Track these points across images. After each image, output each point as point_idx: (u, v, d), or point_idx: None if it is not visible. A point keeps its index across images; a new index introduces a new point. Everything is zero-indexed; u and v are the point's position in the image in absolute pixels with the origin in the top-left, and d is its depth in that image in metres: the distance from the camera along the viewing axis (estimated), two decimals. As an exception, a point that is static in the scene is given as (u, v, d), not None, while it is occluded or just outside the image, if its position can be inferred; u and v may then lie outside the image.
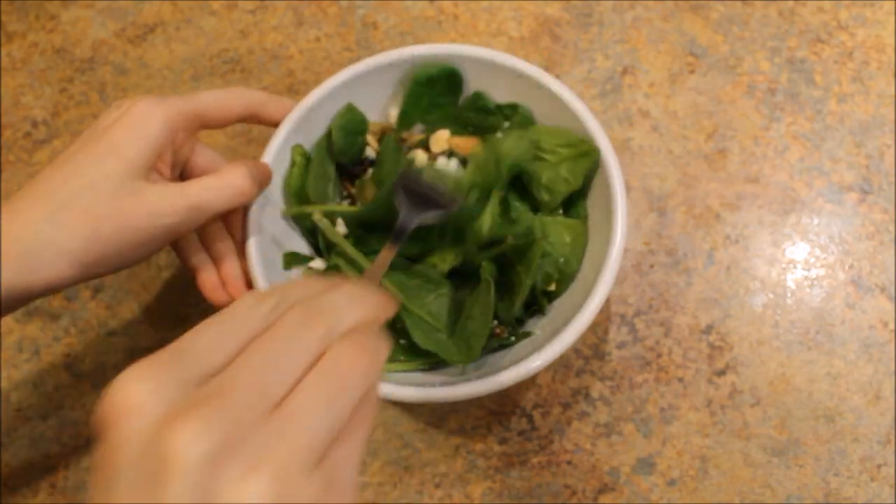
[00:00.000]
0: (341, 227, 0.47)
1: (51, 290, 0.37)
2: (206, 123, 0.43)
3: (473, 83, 0.49)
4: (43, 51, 0.60)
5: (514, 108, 0.48)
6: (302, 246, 0.48)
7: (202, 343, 0.24)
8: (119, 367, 0.51)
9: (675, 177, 0.53)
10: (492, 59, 0.47)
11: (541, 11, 0.58)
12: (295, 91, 0.57)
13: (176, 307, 0.53)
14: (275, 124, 0.46)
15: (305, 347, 0.24)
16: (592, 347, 0.50)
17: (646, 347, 0.50)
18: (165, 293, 0.53)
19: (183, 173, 0.45)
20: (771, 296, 0.50)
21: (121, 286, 0.53)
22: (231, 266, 0.44)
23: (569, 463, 0.47)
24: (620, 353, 0.50)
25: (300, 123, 0.47)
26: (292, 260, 0.46)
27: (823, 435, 0.47)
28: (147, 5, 0.61)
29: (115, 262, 0.38)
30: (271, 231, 0.46)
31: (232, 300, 0.43)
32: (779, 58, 0.56)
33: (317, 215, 0.46)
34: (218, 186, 0.40)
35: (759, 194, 0.53)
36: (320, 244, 0.48)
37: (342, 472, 0.23)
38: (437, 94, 0.49)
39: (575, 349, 0.50)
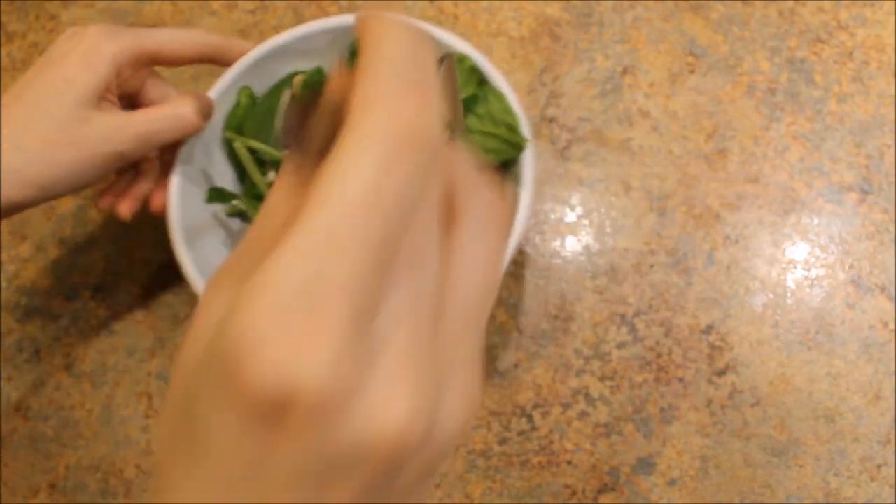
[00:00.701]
0: (272, 176, 0.47)
1: (14, 210, 0.41)
2: (158, 61, 0.45)
3: None
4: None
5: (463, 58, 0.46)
6: (233, 186, 0.49)
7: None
8: (119, 368, 0.51)
9: (675, 177, 0.53)
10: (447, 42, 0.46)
11: (541, 11, 0.58)
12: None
13: (176, 307, 0.53)
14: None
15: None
16: (592, 347, 0.50)
17: (646, 347, 0.50)
18: (165, 293, 0.53)
19: (134, 104, 0.47)
20: (771, 296, 0.50)
21: (121, 286, 0.53)
22: (141, 185, 0.47)
23: (569, 463, 0.47)
24: (620, 353, 0.50)
25: (252, 69, 0.47)
26: (216, 196, 0.47)
27: (823, 435, 0.47)
28: (147, 5, 0.61)
29: (69, 183, 0.41)
30: (204, 166, 0.47)
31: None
32: (779, 58, 0.56)
33: (237, 143, 0.46)
34: (164, 116, 0.43)
35: (759, 194, 0.53)
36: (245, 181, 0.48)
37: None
38: None
39: (575, 349, 0.50)
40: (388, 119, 0.17)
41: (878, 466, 0.47)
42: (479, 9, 0.59)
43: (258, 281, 0.16)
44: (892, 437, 0.47)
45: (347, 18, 0.47)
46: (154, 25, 0.60)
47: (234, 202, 0.48)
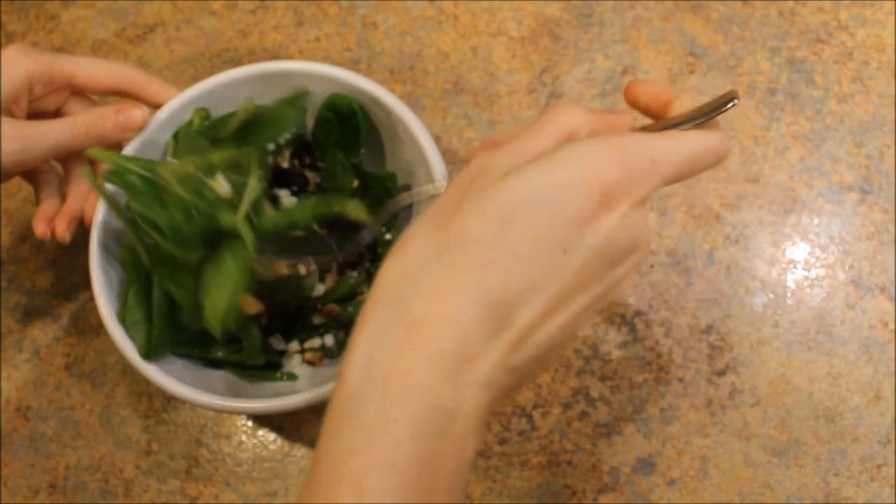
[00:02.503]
0: (223, 185, 0.43)
1: None
2: (73, 87, 0.46)
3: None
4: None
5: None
6: None
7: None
8: (119, 368, 0.51)
9: (675, 177, 0.53)
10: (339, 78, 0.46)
11: (541, 11, 0.58)
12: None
13: (176, 307, 0.53)
14: (155, 106, 0.47)
15: None
16: (592, 347, 0.50)
17: (646, 347, 0.50)
18: (165, 293, 0.53)
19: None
20: (771, 296, 0.50)
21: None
22: (70, 203, 0.47)
23: (569, 463, 0.47)
24: (620, 353, 0.50)
25: (212, 92, 0.46)
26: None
27: (823, 435, 0.47)
28: (147, 5, 0.61)
29: None
30: None
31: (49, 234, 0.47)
32: (779, 58, 0.56)
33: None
34: (59, 123, 0.44)
35: (759, 194, 0.53)
36: None
37: None
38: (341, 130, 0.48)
39: (575, 349, 0.50)
40: None
41: (878, 466, 0.47)
42: (479, 9, 0.59)
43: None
44: (892, 437, 0.47)
45: (304, 65, 0.47)
46: (154, 25, 0.60)
47: None
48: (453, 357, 0.26)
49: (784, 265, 0.51)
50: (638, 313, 0.50)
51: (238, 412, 0.41)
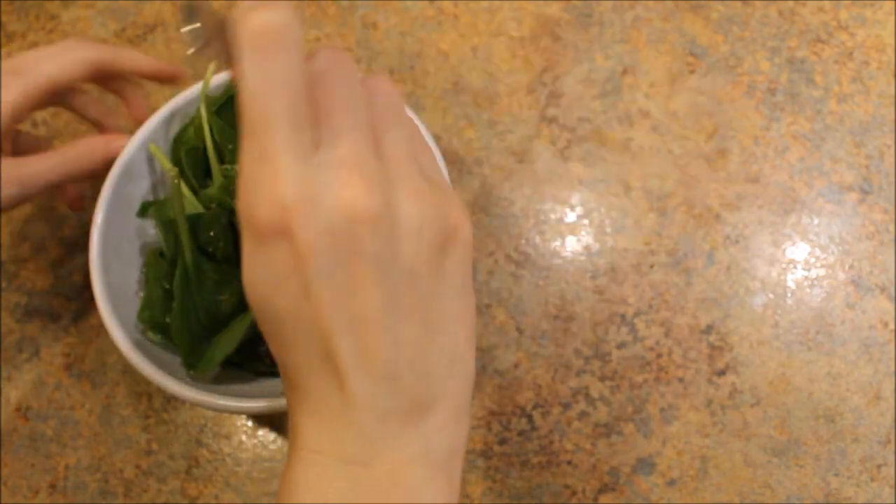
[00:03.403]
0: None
1: None
2: (57, 99, 0.45)
3: None
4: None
5: None
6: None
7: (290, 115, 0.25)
8: (119, 368, 0.51)
9: (675, 177, 0.53)
10: None
11: (541, 11, 0.58)
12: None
13: (176, 307, 0.53)
14: (141, 75, 0.46)
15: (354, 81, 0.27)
16: (592, 347, 0.50)
17: (646, 347, 0.50)
18: (165, 293, 0.53)
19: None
20: (771, 296, 0.50)
21: (121, 286, 0.53)
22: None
23: (569, 463, 0.47)
24: (620, 353, 0.50)
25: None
26: (147, 208, 0.46)
27: (823, 435, 0.47)
28: (147, 5, 0.61)
29: None
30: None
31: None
32: (779, 58, 0.56)
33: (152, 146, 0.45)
34: (52, 158, 0.43)
35: (759, 194, 0.53)
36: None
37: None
38: None
39: (575, 349, 0.50)
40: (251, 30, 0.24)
41: (878, 466, 0.47)
42: (479, 9, 0.59)
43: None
44: (892, 437, 0.47)
45: None
46: (154, 25, 0.60)
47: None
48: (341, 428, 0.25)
49: (784, 265, 0.51)
50: (638, 313, 0.50)
51: (239, 412, 0.41)
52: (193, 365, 0.42)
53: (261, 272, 0.25)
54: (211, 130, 0.45)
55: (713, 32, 0.57)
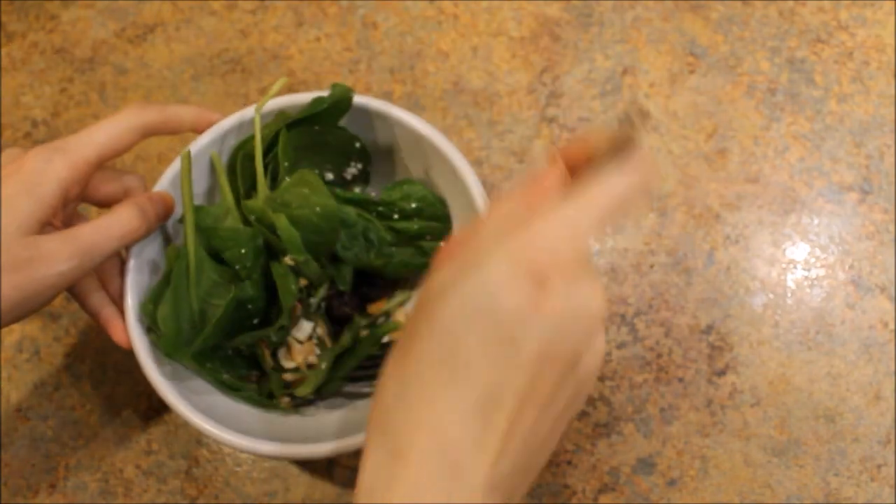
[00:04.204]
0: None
1: None
2: (105, 164, 0.43)
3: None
4: (43, 51, 0.60)
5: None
6: None
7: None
8: (119, 367, 0.51)
9: (675, 177, 0.53)
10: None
11: (541, 11, 0.58)
12: (294, 91, 0.57)
13: (176, 307, 0.53)
14: (193, 130, 0.45)
15: None
16: (592, 347, 0.50)
17: (646, 347, 0.50)
18: (165, 293, 0.53)
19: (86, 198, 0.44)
20: (771, 296, 0.51)
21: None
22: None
23: (569, 463, 0.47)
24: (620, 353, 0.50)
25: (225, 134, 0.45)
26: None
27: (823, 435, 0.48)
28: (147, 5, 0.61)
29: (18, 313, 0.39)
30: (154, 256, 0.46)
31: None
32: (779, 58, 0.56)
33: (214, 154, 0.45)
34: (108, 227, 0.40)
35: (759, 194, 0.53)
36: None
37: None
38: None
39: (575, 349, 0.50)
40: None
41: (878, 466, 0.47)
42: (479, 9, 0.59)
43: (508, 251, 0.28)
44: (892, 437, 0.47)
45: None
46: (154, 25, 0.60)
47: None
48: (443, 475, 0.27)
49: (784, 265, 0.51)
50: (638, 313, 0.50)
51: (260, 454, 0.41)
52: (171, 353, 0.42)
53: (494, 294, 0.27)
54: (273, 146, 0.45)
55: (713, 32, 0.57)
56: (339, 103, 0.45)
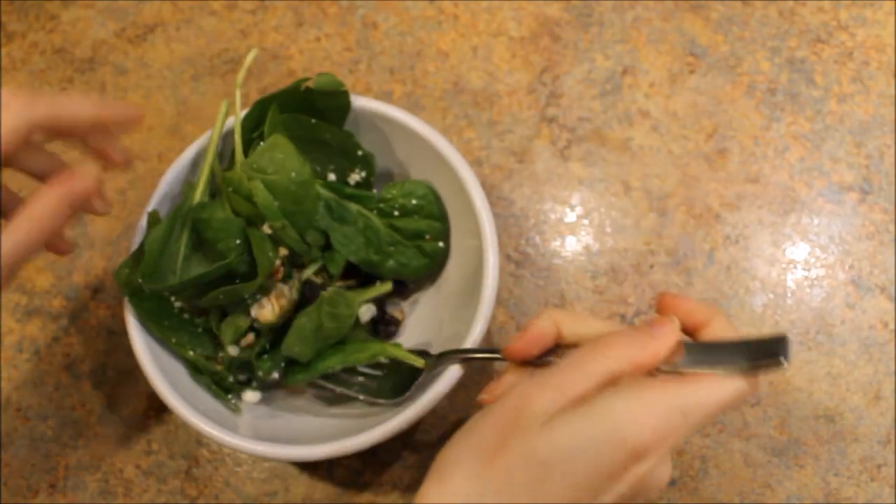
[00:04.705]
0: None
1: None
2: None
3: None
4: (43, 51, 0.60)
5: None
6: None
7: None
8: (119, 367, 0.51)
9: (675, 177, 0.53)
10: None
11: (541, 11, 0.58)
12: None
13: (176, 307, 0.53)
14: (96, 124, 0.39)
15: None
16: (592, 347, 0.50)
17: (646, 347, 0.50)
18: (165, 293, 0.53)
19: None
20: (771, 296, 0.51)
21: (121, 286, 0.53)
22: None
23: (569, 463, 0.47)
24: (620, 353, 0.50)
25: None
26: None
27: (823, 435, 0.48)
28: (147, 5, 0.61)
29: None
30: None
31: None
32: (779, 58, 0.56)
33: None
34: (13, 238, 0.36)
35: (759, 194, 0.53)
36: None
37: None
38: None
39: (575, 349, 0.50)
40: None
41: (878, 466, 0.47)
42: (479, 9, 0.59)
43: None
44: (892, 437, 0.47)
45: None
46: (154, 25, 0.60)
47: None
48: None
49: (784, 265, 0.51)
50: (638, 313, 0.50)
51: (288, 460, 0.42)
52: (148, 276, 0.42)
53: (593, 451, 0.29)
54: (258, 126, 0.45)
55: (713, 32, 0.57)
56: (332, 98, 0.45)
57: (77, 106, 0.38)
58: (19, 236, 0.36)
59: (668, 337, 0.32)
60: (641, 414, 0.30)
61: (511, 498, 0.29)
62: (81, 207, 0.39)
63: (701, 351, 0.33)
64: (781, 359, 0.30)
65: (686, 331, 0.34)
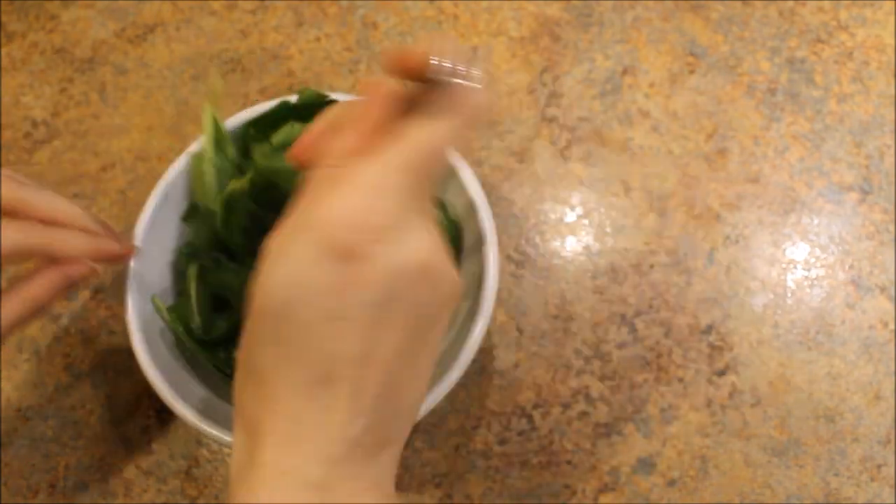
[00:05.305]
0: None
1: None
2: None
3: None
4: (43, 51, 0.60)
5: None
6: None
7: None
8: (119, 368, 0.51)
9: (675, 177, 0.53)
10: None
11: (541, 11, 0.58)
12: (294, 92, 0.57)
13: (176, 307, 0.53)
14: (87, 258, 0.40)
15: None
16: (592, 347, 0.50)
17: (646, 347, 0.50)
18: (165, 293, 0.53)
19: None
20: (771, 296, 0.51)
21: (121, 286, 0.53)
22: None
23: (569, 463, 0.47)
24: (620, 353, 0.50)
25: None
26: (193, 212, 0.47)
27: (823, 435, 0.48)
28: (147, 5, 0.61)
29: None
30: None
31: None
32: (779, 58, 0.56)
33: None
34: (8, 309, 0.38)
35: (759, 194, 0.53)
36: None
37: None
38: None
39: (575, 349, 0.50)
40: None
41: (878, 466, 0.47)
42: (479, 9, 0.59)
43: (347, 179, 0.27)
44: (892, 437, 0.47)
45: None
46: (154, 25, 0.60)
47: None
48: (297, 445, 0.26)
49: (784, 265, 0.51)
50: (638, 313, 0.50)
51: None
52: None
53: (304, 278, 0.26)
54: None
55: (713, 32, 0.57)
56: (322, 109, 0.45)
57: (72, 242, 0.39)
58: (13, 307, 0.39)
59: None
60: (322, 221, 0.27)
61: (266, 363, 0.27)
62: (74, 286, 0.41)
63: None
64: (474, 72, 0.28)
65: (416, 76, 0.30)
